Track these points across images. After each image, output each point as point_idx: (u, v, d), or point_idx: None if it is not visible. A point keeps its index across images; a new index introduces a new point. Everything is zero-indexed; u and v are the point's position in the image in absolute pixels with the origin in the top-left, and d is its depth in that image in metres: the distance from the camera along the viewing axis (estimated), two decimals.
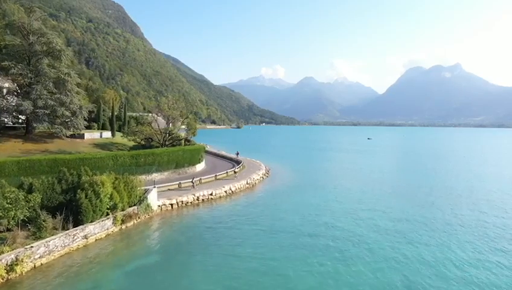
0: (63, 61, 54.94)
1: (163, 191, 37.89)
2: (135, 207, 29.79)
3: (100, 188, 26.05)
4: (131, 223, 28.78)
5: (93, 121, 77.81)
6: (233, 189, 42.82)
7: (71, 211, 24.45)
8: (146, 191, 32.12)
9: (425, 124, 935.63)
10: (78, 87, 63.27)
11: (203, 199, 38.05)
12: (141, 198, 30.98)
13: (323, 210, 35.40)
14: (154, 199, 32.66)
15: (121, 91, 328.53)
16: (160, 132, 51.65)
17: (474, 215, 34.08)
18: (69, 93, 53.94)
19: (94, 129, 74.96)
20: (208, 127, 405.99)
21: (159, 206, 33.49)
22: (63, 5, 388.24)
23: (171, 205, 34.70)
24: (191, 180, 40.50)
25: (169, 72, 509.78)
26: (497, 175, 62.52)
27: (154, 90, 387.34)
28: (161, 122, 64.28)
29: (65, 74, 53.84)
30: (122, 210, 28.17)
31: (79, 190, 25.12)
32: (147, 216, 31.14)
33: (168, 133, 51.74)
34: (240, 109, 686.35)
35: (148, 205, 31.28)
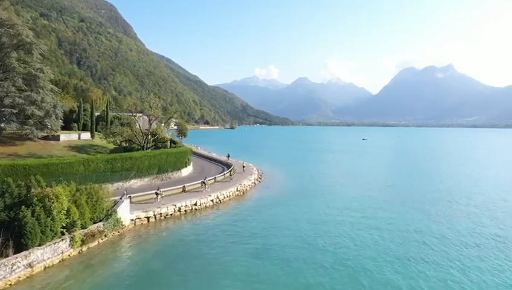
0: (35, 55, 49.80)
1: (140, 201, 33.11)
2: (100, 223, 24.96)
3: (53, 202, 21.22)
4: (95, 243, 23.95)
5: (75, 121, 72.69)
6: (221, 197, 38.09)
7: (12, 233, 19.58)
8: (116, 203, 27.28)
9: (419, 125, 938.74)
10: (54, 84, 58.19)
11: (185, 210, 33.28)
12: (109, 212, 26.15)
13: (321, 225, 30.81)
14: (125, 212, 27.83)
15: (113, 91, 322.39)
16: (142, 133, 46.73)
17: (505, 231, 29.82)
18: (41, 91, 48.77)
19: (75, 130, 69.82)
20: (201, 127, 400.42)
21: (132, 220, 28.67)
22: (55, 5, 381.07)
23: (147, 218, 29.88)
24: (155, 191, 34.17)
25: (163, 73, 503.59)
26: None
27: (147, 91, 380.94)
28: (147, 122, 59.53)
29: (37, 69, 48.81)
30: (83, 228, 23.33)
31: (23, 206, 20.24)
32: (116, 233, 26.30)
33: (150, 134, 46.75)
34: (233, 110, 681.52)
35: (117, 220, 26.46)
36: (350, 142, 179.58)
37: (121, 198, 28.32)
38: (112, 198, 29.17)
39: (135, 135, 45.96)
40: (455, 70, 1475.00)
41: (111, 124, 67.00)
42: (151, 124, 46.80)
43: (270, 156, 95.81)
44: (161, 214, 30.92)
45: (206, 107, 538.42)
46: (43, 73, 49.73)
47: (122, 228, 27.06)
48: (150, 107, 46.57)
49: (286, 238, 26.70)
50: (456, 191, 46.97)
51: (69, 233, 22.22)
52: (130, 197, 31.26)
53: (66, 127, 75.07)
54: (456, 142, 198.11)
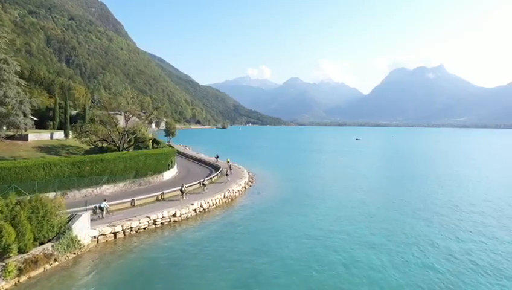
0: None
1: (111, 211, 28.04)
2: (49, 245, 19.90)
3: None
4: (40, 271, 18.86)
5: (51, 119, 67.16)
6: (205, 206, 33.12)
7: None
8: (72, 218, 22.19)
9: (410, 125, 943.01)
10: (39, 82, 52.64)
11: (162, 223, 28.26)
12: (62, 229, 21.07)
13: (320, 240, 26.11)
14: (85, 228, 22.73)
15: (103, 90, 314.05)
16: (118, 132, 41.47)
17: None
18: (3, 84, 43.34)
19: (50, 129, 64.26)
20: (192, 127, 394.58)
21: (94, 237, 23.58)
22: (44, 2, 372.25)
23: (114, 233, 24.81)
24: (95, 206, 27.22)
25: (154, 72, 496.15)
26: None
27: (137, 90, 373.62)
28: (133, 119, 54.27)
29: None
30: (22, 252, 18.25)
31: None
32: (71, 256, 21.23)
33: (127, 134, 41.51)
34: (225, 109, 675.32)
35: (72, 239, 21.38)
36: (344, 142, 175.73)
37: (86, 210, 23.30)
38: (72, 209, 24.21)
39: (110, 134, 40.66)
40: (446, 71, 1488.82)
41: (91, 122, 61.61)
42: (127, 122, 41.51)
43: (262, 157, 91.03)
44: (131, 228, 25.85)
45: (197, 106, 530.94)
46: (7, 64, 44.30)
47: (80, 249, 21.97)
48: (127, 102, 41.26)
49: (280, 262, 21.90)
50: (461, 197, 42.77)
51: (1, 261, 17.12)
52: (100, 208, 26.23)
53: (42, 125, 69.52)
54: (452, 142, 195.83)
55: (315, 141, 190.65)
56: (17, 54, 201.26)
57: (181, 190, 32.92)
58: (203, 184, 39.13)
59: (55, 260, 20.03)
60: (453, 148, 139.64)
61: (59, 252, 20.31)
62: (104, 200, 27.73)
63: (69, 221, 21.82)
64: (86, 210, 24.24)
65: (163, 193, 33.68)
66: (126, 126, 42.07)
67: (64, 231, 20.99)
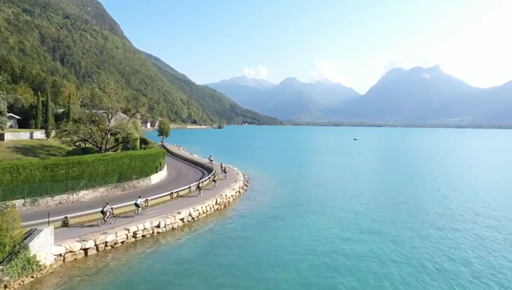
0: None
1: (83, 222, 24.50)
2: None
3: None
4: None
5: (35, 118, 63.27)
6: (194, 214, 29.57)
7: None
8: (30, 234, 18.55)
9: (406, 125, 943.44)
10: (30, 81, 48.96)
11: (143, 235, 24.68)
12: (15, 249, 17.45)
13: (322, 256, 22.74)
14: (46, 245, 19.07)
15: (97, 89, 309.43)
16: (101, 131, 37.76)
17: None
18: None
19: (33, 128, 60.38)
20: (188, 127, 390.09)
21: (59, 255, 19.93)
22: (38, 0, 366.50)
23: (85, 250, 21.20)
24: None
25: (149, 71, 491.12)
26: None
27: (133, 89, 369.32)
28: (123, 118, 50.56)
29: None
30: None
31: None
32: (27, 281, 17.59)
33: (109, 133, 37.82)
34: (222, 109, 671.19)
35: (29, 260, 17.74)
36: (341, 142, 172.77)
37: (49, 223, 19.66)
38: (36, 221, 20.66)
39: (90, 134, 36.93)
40: (441, 71, 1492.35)
41: (75, 121, 57.81)
42: (110, 120, 37.81)
43: (258, 158, 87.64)
44: (106, 243, 22.23)
45: (193, 106, 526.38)
46: None
47: (40, 271, 18.33)
48: (110, 98, 37.52)
49: (279, 286, 18.45)
50: (469, 202, 39.62)
51: None
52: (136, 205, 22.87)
53: (26, 124, 65.57)
54: (450, 142, 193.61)
55: (312, 140, 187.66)
56: (10, 53, 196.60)
57: (139, 202, 28.45)
58: (198, 187, 35.81)
59: (5, 287, 16.41)
60: (452, 149, 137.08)
61: (11, 276, 16.70)
62: (139, 197, 28.21)
63: (26, 238, 18.20)
64: (49, 223, 20.62)
65: (147, 200, 30.06)
66: (109, 125, 38.32)
67: (19, 251, 17.37)
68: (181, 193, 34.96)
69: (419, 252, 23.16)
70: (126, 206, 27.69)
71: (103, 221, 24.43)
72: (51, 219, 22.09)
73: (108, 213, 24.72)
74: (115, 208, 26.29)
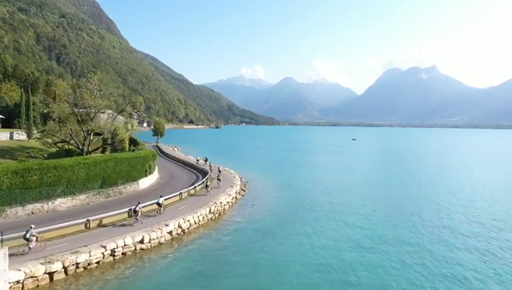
0: None
1: (52, 237, 21.07)
2: None
3: None
4: None
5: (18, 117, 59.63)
6: (185, 226, 26.14)
7: None
8: None
9: (403, 125, 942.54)
10: (23, 79, 45.54)
11: (124, 253, 21.26)
12: None
13: (328, 276, 19.42)
14: None
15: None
16: (83, 132, 34.27)
17: None
18: None
19: (16, 128, 56.78)
20: (185, 127, 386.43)
21: (16, 282, 16.45)
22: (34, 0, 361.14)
23: (50, 274, 17.73)
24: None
25: (146, 71, 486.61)
26: None
27: (129, 89, 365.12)
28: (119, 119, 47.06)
29: None
30: None
31: None
32: None
33: (91, 133, 34.36)
34: (219, 109, 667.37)
35: None
36: (340, 142, 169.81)
37: (2, 242, 16.13)
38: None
39: (71, 134, 33.43)
40: (438, 72, 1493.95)
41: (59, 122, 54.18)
42: (92, 119, 34.33)
43: (256, 159, 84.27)
44: (77, 264, 18.76)
45: (191, 106, 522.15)
46: None
47: None
48: (92, 94, 33.99)
49: None
50: (478, 207, 36.46)
51: None
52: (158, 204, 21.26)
53: (10, 124, 62.01)
54: (450, 143, 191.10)
55: (311, 141, 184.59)
56: (4, 51, 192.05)
57: (132, 209, 25.28)
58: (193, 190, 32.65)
59: None
60: (452, 149, 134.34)
61: None
62: (161, 196, 28.27)
63: None
64: (2, 243, 17.12)
65: (130, 210, 26.56)
66: (91, 124, 34.82)
67: None
68: (170, 201, 31.54)
69: (438, 261, 19.90)
70: (110, 216, 24.22)
71: (136, 220, 24.64)
72: (10, 235, 18.61)
73: (139, 213, 24.77)
74: (93, 220, 22.83)
